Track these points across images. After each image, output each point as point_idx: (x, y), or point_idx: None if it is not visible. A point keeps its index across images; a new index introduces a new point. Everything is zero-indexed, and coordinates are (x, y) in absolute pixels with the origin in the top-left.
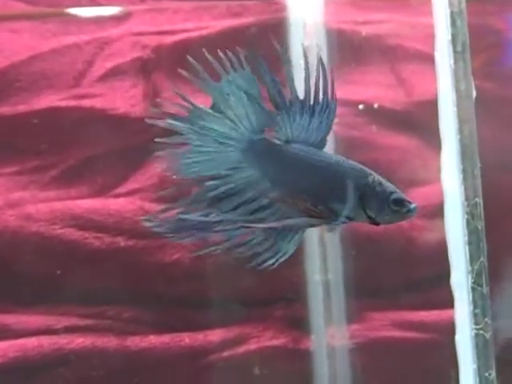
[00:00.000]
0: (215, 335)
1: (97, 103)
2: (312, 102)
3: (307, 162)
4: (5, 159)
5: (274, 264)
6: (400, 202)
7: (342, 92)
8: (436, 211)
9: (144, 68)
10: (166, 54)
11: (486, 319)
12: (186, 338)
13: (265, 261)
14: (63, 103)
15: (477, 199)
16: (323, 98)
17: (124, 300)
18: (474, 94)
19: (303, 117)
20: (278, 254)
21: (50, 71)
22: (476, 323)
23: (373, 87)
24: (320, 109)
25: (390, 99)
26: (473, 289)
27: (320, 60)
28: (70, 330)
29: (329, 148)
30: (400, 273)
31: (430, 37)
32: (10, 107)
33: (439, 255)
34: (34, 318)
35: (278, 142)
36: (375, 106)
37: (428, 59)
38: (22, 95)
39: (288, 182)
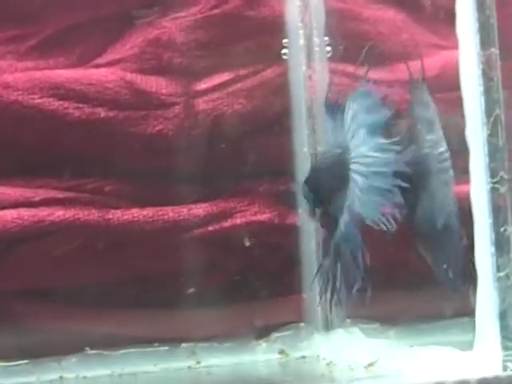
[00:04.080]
0: (199, 209)
1: None
2: None
3: None
4: None
5: None
6: None
7: None
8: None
9: None
10: None
11: (502, 173)
12: (170, 212)
13: None
14: None
15: (493, 49)
16: None
17: (104, 173)
18: None
19: None
20: None
21: None
22: (492, 176)
23: None
24: None
25: None
26: (488, 141)
27: None
28: (49, 202)
29: (320, 19)
30: None
31: None
32: None
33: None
34: (12, 191)
35: None
36: None
37: None
38: None
39: None
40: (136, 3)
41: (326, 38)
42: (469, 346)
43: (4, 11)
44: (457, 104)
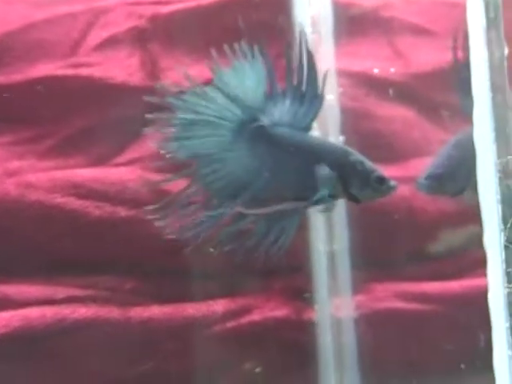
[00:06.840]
0: (218, 306)
1: (95, 72)
2: (301, 92)
3: (291, 143)
4: (0, 129)
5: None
6: (381, 180)
7: (341, 63)
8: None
9: (140, 37)
10: (162, 24)
11: None
12: (189, 309)
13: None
14: (60, 72)
15: (509, 157)
16: (311, 90)
17: (125, 271)
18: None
19: (291, 103)
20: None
21: (45, 40)
22: (509, 282)
23: (371, 59)
24: (308, 98)
25: (388, 71)
26: (505, 247)
27: (307, 50)
28: (71, 300)
29: (336, 118)
30: (404, 243)
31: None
32: (5, 76)
33: (440, 225)
34: (34, 288)
35: (265, 123)
36: (375, 70)
37: (423, 32)
38: (18, 64)
39: (274, 163)
40: (152, 105)
41: (342, 137)
42: None
43: (22, 112)
44: None
